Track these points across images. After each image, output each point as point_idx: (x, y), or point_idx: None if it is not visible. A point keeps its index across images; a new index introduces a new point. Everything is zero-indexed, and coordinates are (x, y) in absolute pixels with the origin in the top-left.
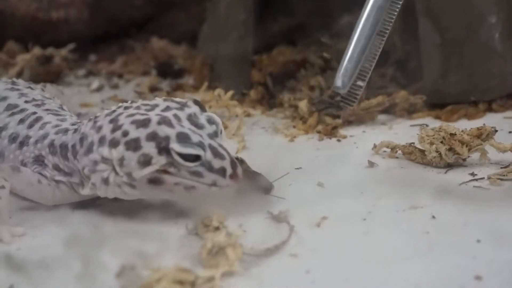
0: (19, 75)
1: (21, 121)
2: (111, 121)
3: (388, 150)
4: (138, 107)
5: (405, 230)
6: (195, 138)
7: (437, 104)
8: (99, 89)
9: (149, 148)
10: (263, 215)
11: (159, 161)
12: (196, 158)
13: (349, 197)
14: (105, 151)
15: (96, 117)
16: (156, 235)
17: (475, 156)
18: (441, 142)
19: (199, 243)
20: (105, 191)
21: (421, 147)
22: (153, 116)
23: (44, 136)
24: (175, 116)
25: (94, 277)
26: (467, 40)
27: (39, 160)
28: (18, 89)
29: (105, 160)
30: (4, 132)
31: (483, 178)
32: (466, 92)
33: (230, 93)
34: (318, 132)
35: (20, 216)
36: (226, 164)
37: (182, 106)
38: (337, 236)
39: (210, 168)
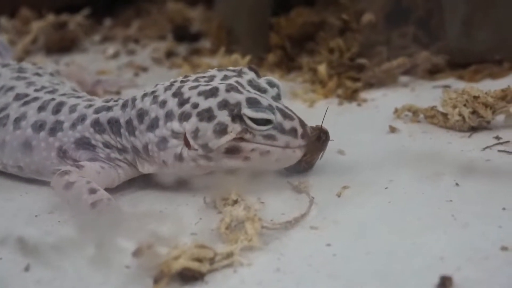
0: (34, 42)
1: (41, 108)
2: (174, 95)
3: (410, 114)
4: (196, 80)
5: (428, 198)
6: (264, 102)
7: (460, 64)
8: (115, 55)
9: (223, 116)
10: (282, 186)
11: (235, 128)
12: (266, 121)
13: (370, 164)
14: (175, 125)
15: (152, 91)
16: (174, 208)
17: (500, 118)
18: (464, 105)
19: (217, 216)
20: (179, 168)
21: (443, 111)
22: (218, 84)
23: (82, 118)
24: (238, 83)
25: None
26: None
27: (83, 143)
28: (25, 78)
29: (176, 134)
30: (23, 122)
31: (508, 142)
32: (490, 51)
33: (247, 58)
34: (338, 96)
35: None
36: (296, 124)
37: (240, 73)
38: (358, 206)
39: (282, 130)
